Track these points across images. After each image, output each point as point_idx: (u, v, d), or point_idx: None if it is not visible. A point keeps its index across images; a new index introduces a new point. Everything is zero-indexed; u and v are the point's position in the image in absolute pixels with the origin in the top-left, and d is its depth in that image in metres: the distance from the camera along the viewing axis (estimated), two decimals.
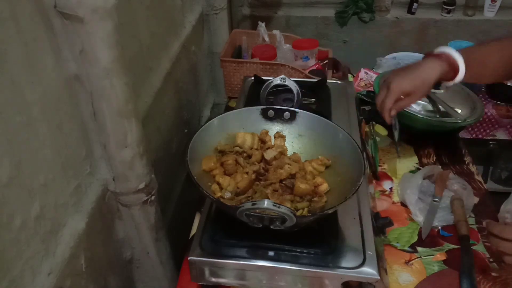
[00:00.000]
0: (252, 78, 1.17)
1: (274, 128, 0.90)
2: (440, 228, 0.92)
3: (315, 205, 0.75)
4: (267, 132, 0.88)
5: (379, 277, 0.67)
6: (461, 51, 0.83)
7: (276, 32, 1.48)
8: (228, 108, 1.34)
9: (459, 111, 1.10)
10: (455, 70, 0.82)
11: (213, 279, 0.74)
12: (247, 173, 0.79)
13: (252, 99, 1.06)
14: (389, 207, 0.99)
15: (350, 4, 2.11)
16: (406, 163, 1.10)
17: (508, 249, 0.66)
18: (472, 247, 0.87)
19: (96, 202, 0.75)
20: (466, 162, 1.11)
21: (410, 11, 2.14)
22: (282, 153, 0.85)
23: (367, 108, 1.16)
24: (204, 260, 0.71)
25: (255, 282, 0.74)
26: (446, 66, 0.82)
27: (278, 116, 0.89)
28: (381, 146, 1.14)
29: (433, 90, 1.12)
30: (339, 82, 1.19)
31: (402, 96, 0.85)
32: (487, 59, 0.85)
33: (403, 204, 0.98)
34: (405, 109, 1.09)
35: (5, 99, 0.52)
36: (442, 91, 1.12)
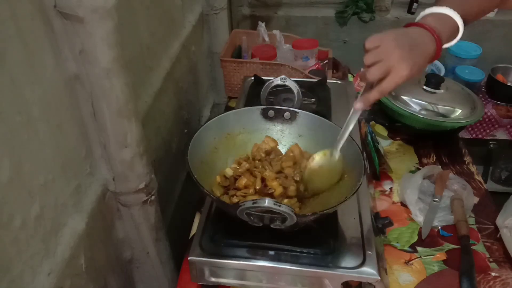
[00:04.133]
0: (252, 78, 1.17)
1: (274, 128, 0.90)
2: (440, 228, 0.92)
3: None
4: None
5: (379, 277, 0.67)
6: (452, 3, 0.72)
7: (276, 32, 1.48)
8: (228, 108, 1.34)
9: (459, 111, 1.10)
10: (455, 33, 0.73)
11: (213, 279, 0.74)
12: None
13: (252, 99, 1.06)
14: (389, 207, 0.99)
15: (350, 4, 2.11)
16: (406, 163, 1.10)
17: None
18: (472, 247, 0.87)
19: (96, 202, 0.75)
20: (466, 162, 1.11)
21: (410, 11, 2.14)
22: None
23: (367, 108, 1.16)
24: (204, 260, 0.71)
25: (255, 282, 0.74)
26: (446, 36, 0.72)
27: (278, 116, 0.89)
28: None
29: (432, 90, 1.12)
30: (339, 82, 1.19)
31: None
32: (480, 4, 0.77)
33: (403, 204, 0.98)
34: (405, 109, 1.09)
35: (5, 99, 0.52)
36: (442, 91, 1.12)
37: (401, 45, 0.66)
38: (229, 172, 0.80)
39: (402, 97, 1.12)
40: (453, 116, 1.10)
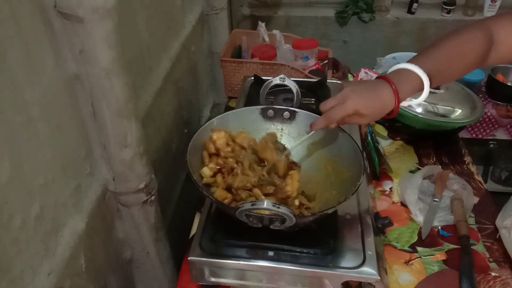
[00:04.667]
0: (252, 78, 1.17)
1: (273, 127, 0.90)
2: (440, 228, 0.92)
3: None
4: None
5: (379, 277, 0.67)
6: (422, 63, 0.73)
7: (276, 32, 1.48)
8: (228, 108, 1.34)
9: (459, 111, 1.10)
10: (419, 88, 0.74)
11: (213, 279, 0.74)
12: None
13: (252, 99, 1.06)
14: (389, 207, 0.99)
15: (350, 4, 2.11)
16: (406, 163, 1.10)
17: None
18: (472, 247, 0.87)
19: (96, 202, 0.75)
20: (466, 162, 1.11)
21: (410, 11, 2.15)
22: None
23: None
24: (204, 260, 0.71)
25: (255, 282, 0.74)
26: (408, 90, 0.73)
27: (277, 116, 0.89)
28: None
29: (432, 90, 1.12)
30: (339, 82, 1.19)
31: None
32: (451, 66, 0.77)
33: (403, 204, 0.98)
34: (405, 109, 1.09)
35: (5, 99, 0.52)
36: (442, 91, 1.12)
37: (358, 89, 0.74)
38: (206, 172, 0.78)
39: None
40: (453, 116, 1.09)
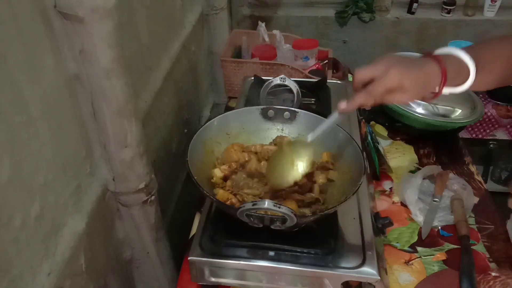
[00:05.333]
0: (252, 78, 1.17)
1: (274, 127, 0.90)
2: (440, 228, 0.92)
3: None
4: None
5: (379, 277, 0.67)
6: (470, 53, 0.67)
7: (276, 32, 1.48)
8: (228, 108, 1.34)
9: (459, 111, 1.10)
10: (464, 76, 0.67)
11: (213, 279, 0.74)
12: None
13: (252, 99, 1.06)
14: (389, 207, 0.99)
15: (350, 4, 2.11)
16: (406, 163, 1.10)
17: None
18: (472, 247, 0.87)
19: (96, 202, 0.75)
20: (466, 162, 1.11)
21: (410, 11, 2.14)
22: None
23: (367, 108, 1.16)
24: (204, 260, 0.71)
25: (255, 282, 0.74)
26: (453, 71, 0.66)
27: (278, 116, 0.89)
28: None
29: None
30: (339, 82, 1.19)
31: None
32: (494, 63, 0.71)
33: (403, 204, 0.98)
34: (405, 109, 1.09)
35: (5, 99, 0.52)
36: None
37: (402, 60, 0.64)
38: (218, 173, 0.80)
39: None
40: (453, 116, 1.10)
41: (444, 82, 0.64)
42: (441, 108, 1.09)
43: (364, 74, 0.64)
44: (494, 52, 0.72)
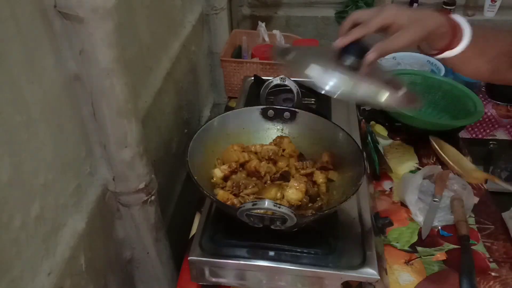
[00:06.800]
0: (252, 78, 1.17)
1: (274, 127, 0.90)
2: (440, 228, 0.92)
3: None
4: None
5: (379, 277, 0.67)
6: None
7: (276, 32, 1.48)
8: (228, 108, 1.34)
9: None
10: (456, 34, 0.64)
11: (213, 279, 0.74)
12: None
13: (252, 99, 1.06)
14: (389, 207, 0.99)
15: (350, 4, 2.11)
16: (406, 163, 1.10)
17: None
18: (472, 247, 0.87)
19: (96, 202, 0.75)
20: None
21: None
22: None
23: (367, 108, 1.16)
24: (204, 260, 0.71)
25: (255, 282, 0.74)
26: (447, 25, 0.64)
27: (278, 116, 0.89)
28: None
29: None
30: None
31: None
32: (496, 41, 0.68)
33: (403, 204, 0.98)
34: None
35: (5, 99, 0.52)
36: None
37: (397, 4, 0.64)
38: (218, 173, 0.80)
39: None
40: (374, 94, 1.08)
41: (455, 34, 0.63)
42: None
43: (358, 14, 0.65)
44: (494, 36, 0.69)
